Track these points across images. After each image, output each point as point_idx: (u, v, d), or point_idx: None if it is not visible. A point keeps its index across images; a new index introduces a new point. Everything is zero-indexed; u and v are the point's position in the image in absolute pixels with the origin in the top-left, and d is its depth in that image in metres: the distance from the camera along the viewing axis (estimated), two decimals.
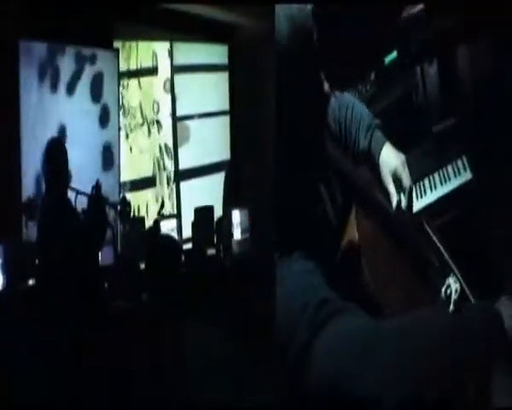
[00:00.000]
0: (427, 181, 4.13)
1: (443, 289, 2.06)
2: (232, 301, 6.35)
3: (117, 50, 7.15)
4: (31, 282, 5.38)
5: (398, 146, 3.81)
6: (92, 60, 6.83)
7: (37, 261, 4.78)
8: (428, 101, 4.32)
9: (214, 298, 6.20)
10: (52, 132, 6.06)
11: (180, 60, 7.96)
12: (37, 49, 6.23)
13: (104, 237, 4.54)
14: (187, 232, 7.55)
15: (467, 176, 3.98)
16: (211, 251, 7.37)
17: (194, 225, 7.42)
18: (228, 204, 7.80)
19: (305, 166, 1.78)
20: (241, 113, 8.51)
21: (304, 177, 1.79)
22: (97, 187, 4.39)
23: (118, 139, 7.14)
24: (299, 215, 1.85)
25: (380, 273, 1.89)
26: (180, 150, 7.99)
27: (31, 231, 5.67)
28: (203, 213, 7.53)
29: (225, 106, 8.58)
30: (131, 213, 6.44)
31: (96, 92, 6.90)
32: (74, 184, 4.57)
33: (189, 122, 8.10)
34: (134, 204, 6.68)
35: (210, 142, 8.34)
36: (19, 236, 5.82)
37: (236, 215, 7.52)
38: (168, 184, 7.83)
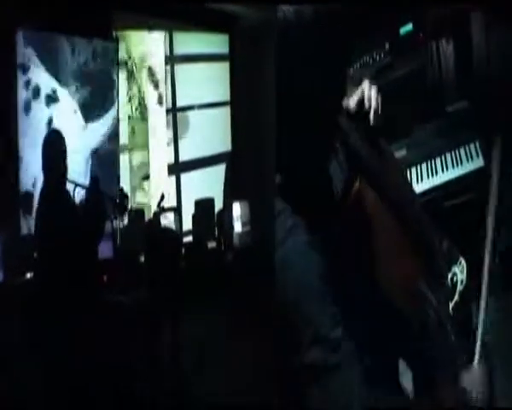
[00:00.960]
0: (438, 160, 4.22)
1: (449, 277, 2.09)
2: (233, 295, 6.39)
3: (116, 40, 7.17)
4: (28, 275, 5.41)
5: (410, 120, 3.90)
6: (91, 47, 6.86)
7: (35, 255, 4.80)
8: (443, 79, 4.35)
9: (215, 292, 6.24)
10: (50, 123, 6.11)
11: (180, 49, 7.97)
12: (36, 38, 6.25)
13: (103, 229, 4.56)
14: (187, 225, 7.57)
15: (479, 162, 4.04)
16: (211, 244, 7.41)
17: (194, 217, 7.44)
18: (229, 197, 7.83)
19: (315, 134, 1.79)
20: (242, 103, 8.52)
21: (313, 144, 1.80)
22: (95, 179, 4.41)
23: (117, 129, 7.17)
24: (305, 178, 1.87)
25: (380, 247, 1.90)
26: (180, 142, 8.01)
27: (28, 223, 5.71)
28: (204, 205, 7.56)
29: (226, 96, 8.59)
30: (129, 206, 6.46)
31: (95, 80, 6.93)
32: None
33: (189, 113, 8.11)
34: None
35: (210, 133, 8.35)
36: (16, 229, 5.85)
37: (238, 208, 7.55)
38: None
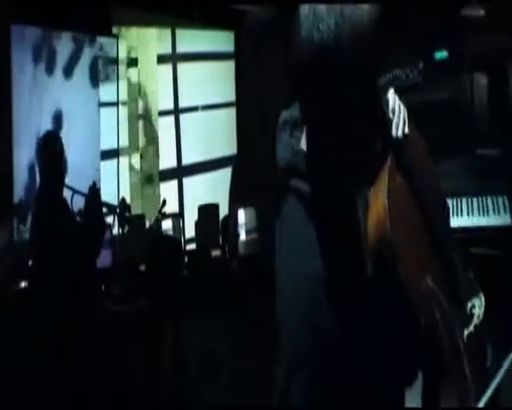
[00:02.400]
0: (464, 201, 4.21)
1: (468, 305, 2.12)
2: (238, 305, 6.39)
3: (116, 36, 7.19)
4: (23, 284, 5.41)
5: (437, 148, 3.92)
6: (91, 44, 6.89)
7: (30, 263, 4.81)
8: (474, 116, 4.38)
9: (219, 303, 6.24)
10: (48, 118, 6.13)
11: (183, 47, 7.98)
12: (32, 33, 6.28)
13: (102, 237, 4.57)
14: (190, 232, 7.58)
15: (506, 219, 4.05)
16: (215, 252, 7.41)
17: (197, 224, 7.45)
18: (234, 202, 7.83)
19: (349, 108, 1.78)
20: (248, 104, 8.53)
21: (346, 117, 1.79)
22: (94, 186, 4.41)
23: (117, 127, 7.20)
24: (333, 153, 1.86)
25: (400, 237, 1.91)
26: (183, 144, 8.02)
27: (23, 230, 5.72)
28: (207, 211, 7.56)
29: (231, 97, 8.59)
30: (130, 214, 6.46)
31: (94, 79, 6.96)
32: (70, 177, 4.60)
33: (192, 114, 8.13)
34: None
35: (215, 135, 8.35)
36: (10, 235, 5.86)
37: (243, 214, 7.55)
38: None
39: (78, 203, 4.51)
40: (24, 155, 5.96)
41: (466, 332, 2.10)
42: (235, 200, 7.97)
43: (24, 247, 5.31)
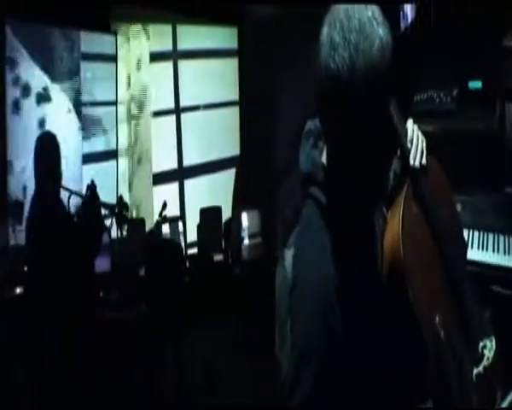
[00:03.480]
0: (491, 237, 4.28)
1: (480, 344, 2.15)
2: (241, 312, 6.39)
3: (114, 34, 7.21)
4: (18, 290, 5.42)
5: (467, 179, 4.02)
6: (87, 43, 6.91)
7: (25, 268, 4.82)
8: (506, 152, 4.44)
9: (221, 309, 6.23)
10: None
11: (184, 44, 7.99)
12: (26, 30, 6.29)
13: (100, 241, 4.58)
14: (191, 236, 7.58)
15: None
16: (218, 257, 7.40)
17: (199, 228, 7.45)
18: (237, 205, 7.83)
19: (370, 132, 1.84)
20: (252, 103, 8.53)
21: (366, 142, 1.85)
22: (92, 187, 4.42)
23: (116, 128, 7.22)
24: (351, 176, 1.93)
25: (413, 266, 1.97)
26: (184, 145, 8.03)
27: (18, 235, 5.72)
28: (210, 214, 7.57)
29: (234, 95, 8.60)
30: (129, 215, 6.46)
31: (91, 78, 6.97)
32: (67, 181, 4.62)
33: (193, 114, 8.13)
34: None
35: (217, 135, 8.35)
36: (4, 239, 5.86)
37: (247, 218, 7.55)
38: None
39: (75, 204, 4.53)
40: (18, 153, 5.97)
41: (475, 371, 2.14)
42: (239, 203, 7.97)
43: (19, 250, 5.31)
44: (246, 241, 7.48)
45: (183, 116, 8.03)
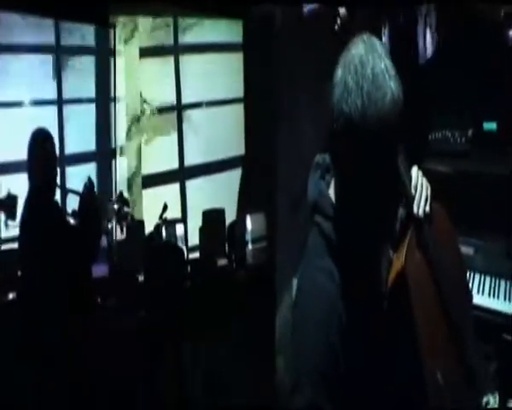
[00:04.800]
0: (503, 285, 4.32)
1: (484, 400, 2.18)
2: (245, 320, 6.38)
3: (113, 26, 7.22)
4: (11, 296, 5.42)
5: (480, 223, 4.24)
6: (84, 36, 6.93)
7: (18, 272, 4.82)
8: None
9: (224, 316, 6.23)
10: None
11: (186, 38, 7.99)
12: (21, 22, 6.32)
13: (98, 244, 4.58)
14: (193, 240, 7.58)
15: None
16: (221, 262, 7.40)
17: (201, 231, 7.45)
18: (242, 207, 7.83)
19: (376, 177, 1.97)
20: (257, 100, 8.52)
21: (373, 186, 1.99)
22: (90, 185, 4.42)
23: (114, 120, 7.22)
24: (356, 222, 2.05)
25: (416, 313, 2.06)
26: (186, 144, 8.03)
27: (11, 231, 5.72)
28: (213, 217, 7.56)
29: (239, 92, 8.60)
30: (129, 216, 6.46)
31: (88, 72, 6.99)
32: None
33: (195, 111, 8.13)
34: None
35: (221, 134, 8.35)
36: None
37: (252, 221, 7.54)
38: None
39: (72, 204, 4.53)
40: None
41: None
42: (243, 205, 7.97)
43: (13, 254, 5.30)
44: (250, 245, 7.48)
45: (185, 114, 8.04)
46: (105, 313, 5.25)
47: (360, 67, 1.88)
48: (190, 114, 8.09)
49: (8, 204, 5.77)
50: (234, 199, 8.05)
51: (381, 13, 4.62)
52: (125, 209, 5.56)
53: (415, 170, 2.22)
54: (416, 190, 2.17)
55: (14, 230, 5.30)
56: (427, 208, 2.17)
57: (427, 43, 4.84)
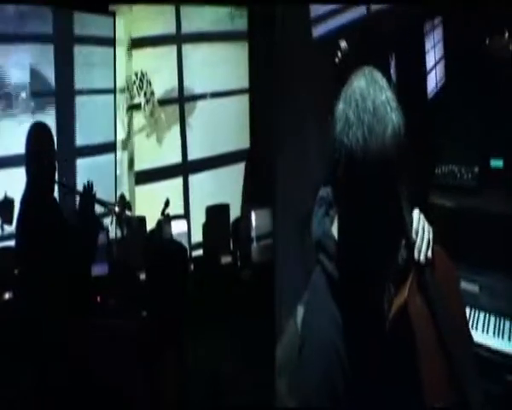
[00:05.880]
0: (508, 324, 4.37)
1: None
2: (250, 319, 6.40)
3: (113, 15, 7.23)
4: (7, 296, 5.45)
5: (486, 261, 4.34)
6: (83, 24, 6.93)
7: (15, 271, 4.84)
8: None
9: (229, 316, 6.25)
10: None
11: (188, 27, 7.99)
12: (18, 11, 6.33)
13: (96, 242, 4.59)
14: (197, 236, 7.59)
15: None
16: (226, 259, 7.42)
17: (205, 227, 7.46)
18: (247, 203, 7.84)
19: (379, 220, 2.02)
20: (263, 91, 8.52)
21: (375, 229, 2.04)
22: (89, 184, 4.43)
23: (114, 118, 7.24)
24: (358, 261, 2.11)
25: (413, 353, 2.14)
26: (189, 137, 8.04)
27: (8, 230, 5.75)
28: (216, 213, 7.58)
29: (244, 83, 8.60)
30: (130, 214, 6.48)
31: (87, 62, 7.00)
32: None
33: (199, 103, 8.14)
34: None
35: (225, 126, 8.35)
36: None
37: (258, 216, 7.56)
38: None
39: (70, 202, 4.54)
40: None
41: None
42: (248, 200, 7.98)
43: (10, 253, 5.33)
44: (256, 242, 7.49)
45: (188, 105, 8.04)
46: (105, 313, 5.26)
47: (361, 100, 1.92)
48: (193, 106, 8.09)
49: (4, 208, 5.81)
50: (239, 194, 8.07)
51: (388, 46, 4.72)
52: (127, 213, 5.57)
53: (416, 213, 2.27)
54: (417, 235, 2.22)
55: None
56: (429, 253, 2.22)
57: (435, 76, 4.96)
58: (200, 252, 7.50)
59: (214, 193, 7.92)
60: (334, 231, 2.17)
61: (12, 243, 4.87)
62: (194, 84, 8.07)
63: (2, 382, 4.55)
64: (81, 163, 6.90)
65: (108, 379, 4.52)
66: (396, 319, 2.11)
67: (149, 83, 7.70)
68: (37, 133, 4.52)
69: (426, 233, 2.24)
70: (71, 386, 4.24)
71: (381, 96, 1.94)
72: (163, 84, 7.84)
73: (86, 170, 6.68)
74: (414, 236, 2.21)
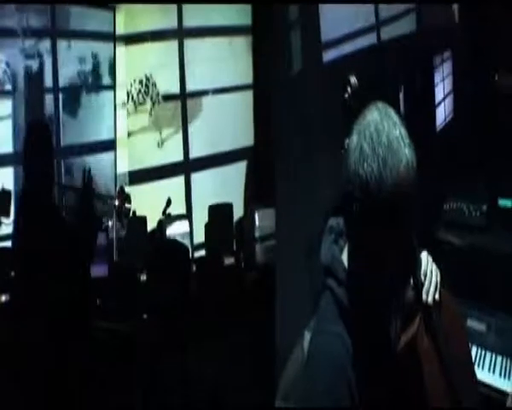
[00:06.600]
0: None
1: None
2: (254, 323, 6.39)
3: (113, 10, 7.23)
4: (4, 298, 5.44)
5: (495, 302, 4.38)
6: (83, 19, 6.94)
7: (12, 273, 4.83)
8: None
9: (232, 320, 6.23)
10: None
11: (191, 21, 7.99)
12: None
13: (95, 241, 4.58)
14: (199, 237, 7.59)
15: None
16: (229, 260, 7.41)
17: (207, 227, 7.45)
18: (251, 202, 7.83)
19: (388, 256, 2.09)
20: (267, 87, 8.51)
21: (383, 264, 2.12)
22: (88, 178, 4.41)
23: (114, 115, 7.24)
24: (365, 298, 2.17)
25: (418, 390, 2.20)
26: (191, 134, 8.04)
27: (5, 228, 5.75)
28: (219, 212, 7.57)
29: (248, 78, 8.59)
30: (131, 211, 6.47)
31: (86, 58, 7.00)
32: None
33: (202, 99, 8.13)
34: None
35: (228, 123, 8.35)
36: None
37: (262, 216, 7.55)
38: None
39: (69, 200, 4.53)
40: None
41: None
42: (252, 199, 7.97)
43: (6, 253, 5.32)
44: (260, 242, 7.48)
45: (190, 102, 8.04)
46: (104, 315, 5.26)
47: (376, 133, 1.99)
48: (196, 103, 8.08)
49: (1, 200, 5.80)
50: (242, 193, 8.06)
51: (397, 79, 4.83)
52: (127, 205, 5.56)
53: (425, 255, 2.34)
54: (425, 277, 2.28)
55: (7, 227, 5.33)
56: (437, 296, 2.28)
57: (444, 110, 5.05)
58: (202, 252, 7.50)
59: (217, 192, 7.92)
60: (344, 258, 2.23)
61: (9, 243, 4.87)
62: (196, 80, 8.07)
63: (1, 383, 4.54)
64: (81, 161, 6.88)
65: (108, 382, 4.52)
66: (403, 352, 2.17)
67: (154, 85, 7.70)
68: (35, 129, 4.52)
69: (434, 276, 2.31)
70: (69, 387, 4.24)
71: (395, 131, 2.00)
72: (165, 80, 7.83)
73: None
74: (422, 277, 2.28)
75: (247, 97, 8.55)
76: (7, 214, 5.77)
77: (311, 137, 4.72)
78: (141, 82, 7.60)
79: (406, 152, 1.98)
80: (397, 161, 1.96)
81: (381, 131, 1.99)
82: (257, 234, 7.49)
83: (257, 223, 7.51)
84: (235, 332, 6.06)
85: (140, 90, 7.60)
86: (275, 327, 5.08)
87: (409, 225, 2.07)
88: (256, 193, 8.00)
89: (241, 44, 8.53)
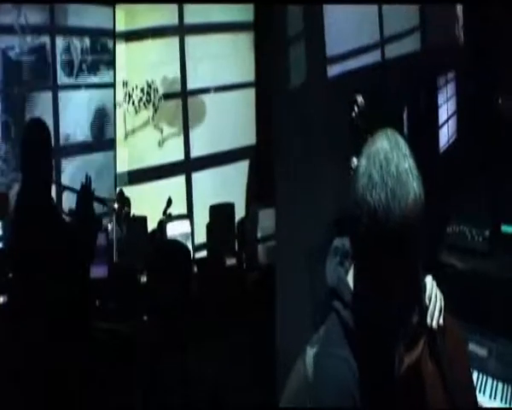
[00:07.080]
0: None
1: None
2: (256, 324, 6.40)
3: (113, 6, 7.24)
4: (1, 299, 5.46)
5: (491, 325, 4.43)
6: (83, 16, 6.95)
7: (9, 274, 4.84)
8: None
9: (234, 321, 6.25)
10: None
11: (192, 18, 8.00)
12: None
13: (95, 243, 4.60)
14: (200, 237, 7.60)
15: None
16: (230, 261, 7.42)
17: (209, 227, 7.46)
18: (253, 201, 7.84)
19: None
20: (270, 84, 8.52)
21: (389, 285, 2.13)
22: (87, 181, 4.43)
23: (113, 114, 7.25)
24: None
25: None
26: (192, 133, 8.04)
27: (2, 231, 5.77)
28: (221, 212, 7.57)
29: (250, 76, 8.59)
30: (130, 213, 6.48)
31: (86, 55, 7.01)
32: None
33: (203, 97, 8.14)
34: None
35: (230, 122, 8.36)
36: None
37: (264, 216, 7.55)
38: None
39: (67, 202, 4.54)
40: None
41: None
42: (254, 199, 7.98)
43: (3, 255, 5.34)
44: (262, 243, 7.49)
45: (191, 100, 8.05)
46: (104, 316, 5.27)
47: (385, 162, 2.02)
48: (197, 101, 8.09)
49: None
50: (244, 193, 8.07)
51: (401, 99, 4.87)
52: (126, 209, 5.57)
53: (429, 280, 2.39)
54: (430, 301, 2.33)
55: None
56: (441, 321, 2.32)
57: (448, 132, 5.09)
58: (203, 253, 7.51)
59: (218, 191, 7.92)
60: (350, 280, 2.26)
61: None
62: (197, 78, 8.07)
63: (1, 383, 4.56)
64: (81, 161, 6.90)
65: (107, 384, 4.53)
66: (407, 375, 2.20)
67: (156, 90, 7.72)
68: (34, 129, 4.53)
69: (438, 300, 2.35)
70: (68, 389, 4.25)
71: (404, 163, 2.04)
72: (165, 78, 7.84)
73: (85, 168, 6.70)
74: (427, 302, 2.33)
75: (250, 95, 8.55)
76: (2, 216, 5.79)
77: (312, 137, 4.73)
78: (142, 90, 7.62)
79: (415, 185, 2.01)
80: (405, 194, 2.00)
81: (391, 160, 2.03)
82: (259, 234, 7.50)
83: (259, 223, 7.51)
84: (236, 332, 6.08)
85: (141, 99, 7.62)
86: (275, 327, 5.10)
87: (415, 255, 2.10)
88: (258, 193, 8.00)
89: (244, 41, 8.53)
